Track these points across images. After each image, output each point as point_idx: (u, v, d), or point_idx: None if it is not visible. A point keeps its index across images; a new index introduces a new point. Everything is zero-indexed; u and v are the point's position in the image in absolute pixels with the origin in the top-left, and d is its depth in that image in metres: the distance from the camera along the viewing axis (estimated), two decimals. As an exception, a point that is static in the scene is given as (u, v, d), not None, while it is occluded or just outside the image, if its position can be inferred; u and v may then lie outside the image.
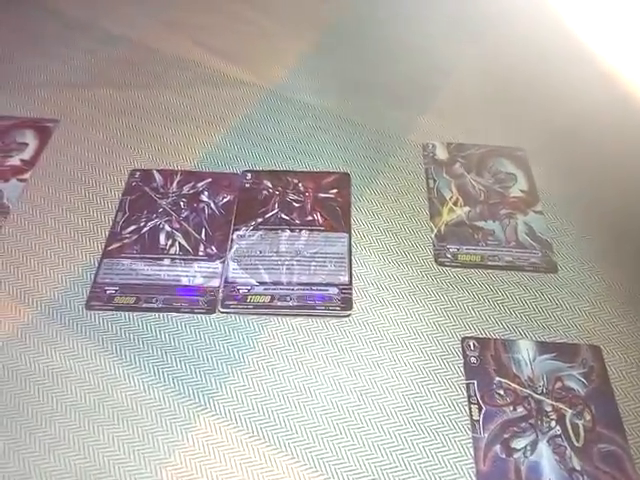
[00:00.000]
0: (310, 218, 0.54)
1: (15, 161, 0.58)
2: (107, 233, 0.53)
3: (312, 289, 0.49)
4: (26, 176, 0.57)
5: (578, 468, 0.40)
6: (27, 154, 0.58)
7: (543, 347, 0.46)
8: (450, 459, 0.41)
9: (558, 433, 0.42)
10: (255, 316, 0.48)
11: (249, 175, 0.58)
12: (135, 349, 0.46)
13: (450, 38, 0.73)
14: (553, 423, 0.42)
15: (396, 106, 0.65)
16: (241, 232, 0.53)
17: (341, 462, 0.41)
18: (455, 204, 0.56)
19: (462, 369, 0.45)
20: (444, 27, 0.74)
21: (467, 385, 0.45)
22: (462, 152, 0.60)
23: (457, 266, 0.52)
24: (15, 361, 0.45)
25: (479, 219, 0.55)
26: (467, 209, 0.56)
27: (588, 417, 0.43)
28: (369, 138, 0.62)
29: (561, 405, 0.43)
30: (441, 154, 0.60)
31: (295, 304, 0.48)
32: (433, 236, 0.54)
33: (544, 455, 0.41)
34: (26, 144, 0.59)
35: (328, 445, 0.42)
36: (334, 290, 0.49)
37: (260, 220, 0.54)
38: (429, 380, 0.45)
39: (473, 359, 0.46)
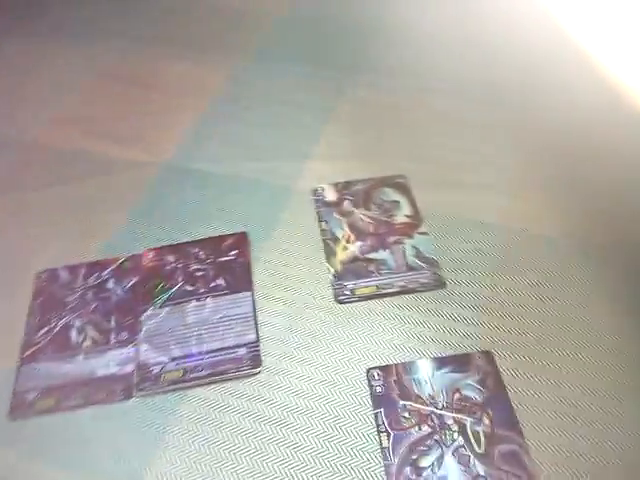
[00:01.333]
0: (214, 284, 0.57)
1: None
2: (22, 340, 0.55)
3: (221, 354, 0.52)
4: (-64, 300, 0.58)
5: (482, 473, 0.44)
6: None
7: (439, 362, 0.50)
8: (366, 491, 0.44)
9: (461, 443, 0.45)
10: (171, 393, 0.50)
11: (151, 253, 0.60)
12: (59, 451, 0.48)
13: (332, 77, 0.77)
14: (456, 435, 0.46)
15: (283, 158, 0.68)
16: (149, 312, 0.55)
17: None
18: (348, 241, 0.60)
19: (369, 400, 0.48)
20: (323, 67, 0.78)
21: (375, 415, 0.48)
22: (349, 190, 0.64)
23: (355, 300, 0.55)
24: (-54, 488, 0.47)
25: (371, 251, 0.58)
26: (359, 244, 0.59)
27: (487, 422, 0.46)
28: (262, 194, 0.65)
29: (461, 415, 0.47)
30: (330, 195, 0.64)
31: (207, 373, 0.51)
32: (331, 276, 0.57)
33: (450, 468, 0.44)
34: None
35: (254, 502, 0.44)
36: (243, 350, 0.52)
37: (166, 296, 0.56)
38: (339, 418, 0.48)
39: (378, 388, 0.49)
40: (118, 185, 0.68)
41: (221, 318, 0.54)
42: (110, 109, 0.76)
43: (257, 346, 0.52)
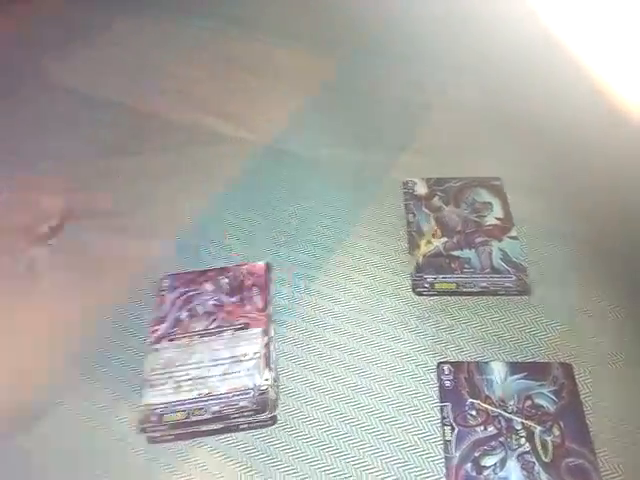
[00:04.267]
0: (298, 260, 0.59)
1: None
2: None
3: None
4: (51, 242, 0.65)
5: (546, 483, 0.43)
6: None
7: (514, 367, 0.49)
8: (424, 478, 0.44)
9: (527, 449, 0.44)
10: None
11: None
12: None
13: (433, 75, 0.77)
14: (522, 440, 0.45)
15: (379, 148, 0.69)
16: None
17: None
18: (433, 236, 0.60)
19: (437, 392, 0.49)
20: (428, 65, 0.79)
21: (441, 407, 0.48)
22: (441, 186, 0.64)
23: (434, 294, 0.55)
24: None
25: (455, 248, 0.58)
26: (444, 240, 0.59)
27: (557, 433, 0.45)
28: (353, 180, 0.66)
29: (530, 422, 0.45)
30: (420, 189, 0.64)
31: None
32: (412, 268, 0.57)
33: (512, 471, 0.43)
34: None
35: (317, 473, 0.46)
36: (318, 325, 0.54)
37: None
38: (405, 404, 0.48)
39: (447, 383, 0.49)
40: (215, 157, 0.71)
41: (301, 292, 0.56)
42: (221, 88, 0.81)
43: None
